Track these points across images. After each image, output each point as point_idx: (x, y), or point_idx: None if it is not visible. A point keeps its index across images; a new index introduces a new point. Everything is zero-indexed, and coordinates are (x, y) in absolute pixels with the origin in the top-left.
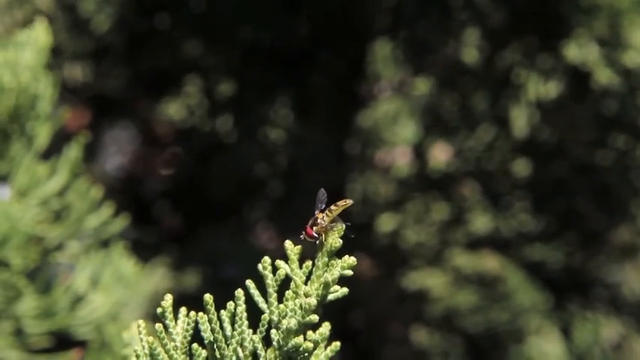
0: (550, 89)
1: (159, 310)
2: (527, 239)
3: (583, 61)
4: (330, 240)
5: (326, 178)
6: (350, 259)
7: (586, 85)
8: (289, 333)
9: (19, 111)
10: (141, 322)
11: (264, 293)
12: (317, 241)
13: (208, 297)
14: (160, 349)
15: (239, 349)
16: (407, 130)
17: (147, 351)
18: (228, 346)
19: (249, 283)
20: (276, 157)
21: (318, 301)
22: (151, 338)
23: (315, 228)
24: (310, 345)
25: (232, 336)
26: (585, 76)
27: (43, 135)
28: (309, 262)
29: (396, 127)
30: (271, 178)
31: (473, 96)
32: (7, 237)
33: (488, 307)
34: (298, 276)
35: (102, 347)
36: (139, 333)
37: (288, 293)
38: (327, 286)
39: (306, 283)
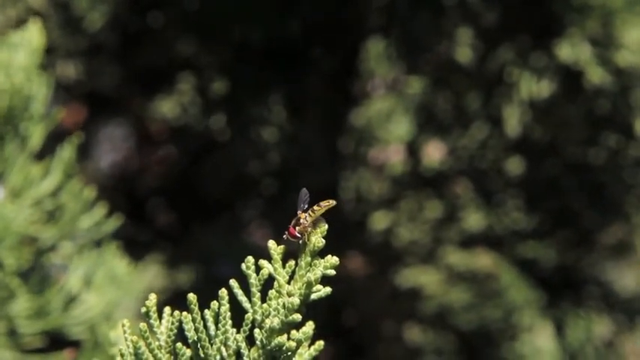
0: (542, 88)
1: (143, 309)
2: (520, 237)
3: (575, 61)
4: (313, 240)
5: (319, 176)
6: (333, 259)
7: (578, 84)
8: (272, 332)
9: (12, 112)
10: (126, 321)
11: (249, 292)
12: (300, 241)
13: (192, 297)
14: (144, 348)
15: (223, 349)
16: (400, 128)
17: (131, 350)
18: (212, 345)
19: (232, 282)
20: (270, 155)
21: (301, 300)
22: (135, 338)
23: (297, 228)
24: (293, 344)
25: (216, 335)
26: (578, 75)
27: (36, 135)
28: (292, 262)
29: (390, 125)
30: (265, 176)
31: (466, 94)
32: (1, 237)
33: (481, 304)
34: (281, 275)
35: (95, 347)
36: (124, 332)
37: (272, 292)
38: (309, 285)
39: (289, 283)
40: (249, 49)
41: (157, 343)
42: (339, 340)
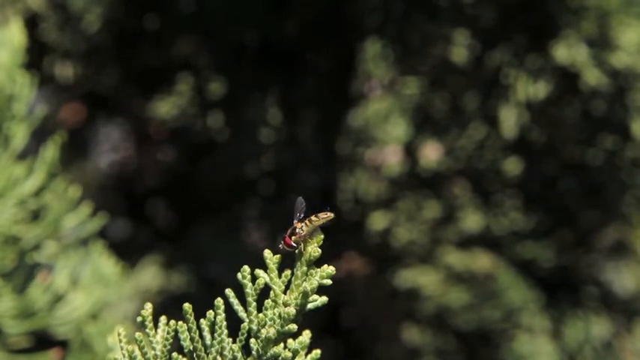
0: (539, 89)
1: (139, 318)
2: (518, 237)
3: (572, 62)
4: (309, 249)
5: (317, 177)
6: (329, 269)
7: (575, 86)
8: (268, 342)
9: None
10: (121, 329)
11: (245, 301)
12: (296, 251)
13: (187, 306)
14: (140, 358)
15: (218, 358)
16: (398, 129)
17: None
18: (207, 355)
19: (228, 292)
20: (267, 156)
21: (297, 310)
22: (131, 347)
23: (293, 237)
24: (289, 354)
25: (212, 345)
26: (574, 76)
27: (19, 135)
28: (288, 272)
29: (387, 126)
30: (262, 177)
31: (463, 95)
32: None
33: (479, 305)
34: (277, 285)
35: (82, 347)
36: (120, 341)
37: (268, 302)
38: (305, 295)
39: (285, 292)
40: (246, 50)
41: (152, 352)
42: (338, 340)
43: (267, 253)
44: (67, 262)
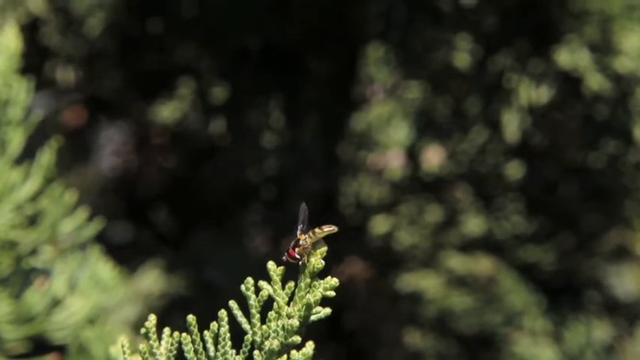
0: (541, 94)
1: (142, 330)
2: (520, 241)
3: (574, 67)
4: (312, 261)
5: (319, 182)
6: (332, 280)
7: (577, 91)
8: (272, 354)
9: None
10: (125, 341)
11: (248, 312)
12: (299, 262)
13: (191, 318)
14: None
15: None
16: (400, 133)
17: None
18: None
19: (232, 303)
20: (269, 160)
21: (300, 322)
22: (134, 358)
23: (297, 249)
24: None
25: (215, 357)
26: (577, 81)
27: (15, 140)
28: (291, 283)
29: (389, 130)
30: (264, 182)
31: (465, 99)
32: None
33: (481, 308)
34: (281, 297)
35: (80, 351)
36: (124, 353)
37: (271, 314)
38: (309, 307)
39: (289, 304)
40: (248, 55)
41: None
42: (340, 344)
43: (270, 264)
44: (65, 266)
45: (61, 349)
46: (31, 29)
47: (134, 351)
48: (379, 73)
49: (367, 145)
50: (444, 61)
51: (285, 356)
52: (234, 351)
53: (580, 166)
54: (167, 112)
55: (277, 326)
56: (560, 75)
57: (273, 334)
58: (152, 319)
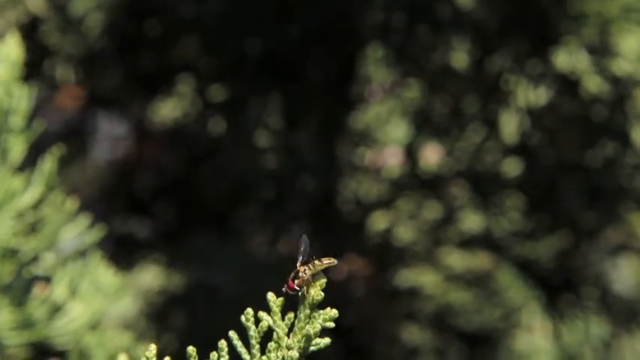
0: (540, 96)
1: (143, 359)
2: (518, 238)
3: (572, 69)
4: (312, 293)
5: (317, 180)
6: (332, 312)
7: (575, 93)
8: None
9: None
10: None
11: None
12: (299, 294)
13: (191, 349)
14: None
15: None
16: (398, 131)
17: None
18: None
19: (231, 334)
20: (268, 159)
21: (300, 353)
22: None
23: (296, 281)
24: None
25: None
26: (574, 83)
27: (17, 148)
28: (291, 314)
29: (387, 128)
30: (263, 182)
31: (463, 99)
32: None
33: (479, 305)
34: (281, 328)
35: (81, 357)
36: None
37: (271, 345)
38: (308, 338)
39: (288, 335)
40: (247, 54)
41: None
42: (338, 340)
43: (270, 295)
44: (66, 273)
45: (62, 354)
46: (29, 28)
47: None
48: (377, 73)
49: (366, 143)
50: (442, 62)
51: None
52: None
53: (578, 165)
54: (166, 110)
55: (277, 357)
56: (558, 77)
57: None
58: (152, 348)
